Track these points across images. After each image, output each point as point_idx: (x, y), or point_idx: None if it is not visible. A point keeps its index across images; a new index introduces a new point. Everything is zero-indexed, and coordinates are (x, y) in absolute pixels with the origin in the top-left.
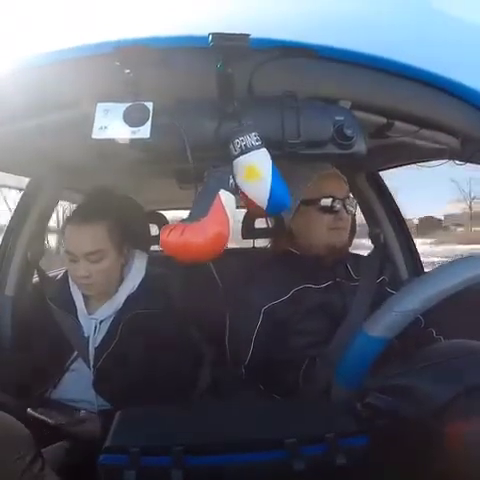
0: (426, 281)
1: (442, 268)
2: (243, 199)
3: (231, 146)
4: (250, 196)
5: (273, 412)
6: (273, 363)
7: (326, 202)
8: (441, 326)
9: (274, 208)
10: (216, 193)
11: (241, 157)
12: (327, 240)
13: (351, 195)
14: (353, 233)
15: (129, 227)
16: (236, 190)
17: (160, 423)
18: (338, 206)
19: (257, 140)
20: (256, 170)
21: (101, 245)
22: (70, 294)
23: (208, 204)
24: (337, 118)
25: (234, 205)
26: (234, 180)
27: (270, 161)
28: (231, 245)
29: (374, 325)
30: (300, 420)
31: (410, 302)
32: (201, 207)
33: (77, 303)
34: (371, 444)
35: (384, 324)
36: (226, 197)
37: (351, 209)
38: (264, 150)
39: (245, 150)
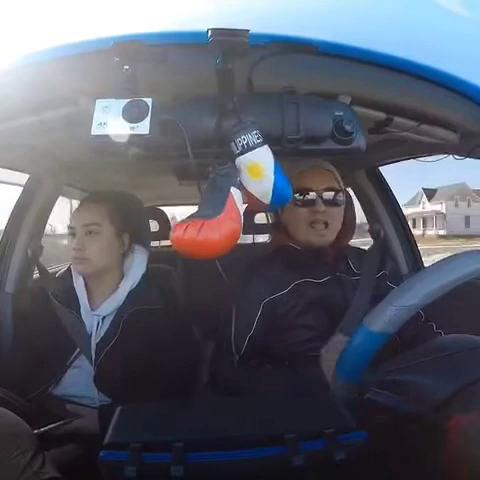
0: (426, 276)
1: (443, 262)
2: (245, 195)
3: (233, 144)
4: (254, 193)
5: (273, 408)
6: (272, 356)
7: (298, 196)
8: (441, 320)
9: (276, 203)
10: (228, 190)
11: (243, 155)
12: (305, 237)
13: (339, 189)
14: (349, 226)
15: (131, 219)
16: (241, 186)
17: (160, 419)
18: (312, 198)
19: (258, 138)
20: (259, 168)
21: (99, 220)
22: (73, 290)
23: (222, 201)
24: (337, 113)
25: (242, 201)
26: (239, 177)
27: (272, 158)
28: None
29: (374, 320)
30: (299, 416)
31: (411, 297)
32: (215, 204)
33: (80, 299)
34: (371, 439)
35: (384, 319)
36: (236, 194)
37: (336, 202)
38: (266, 147)
39: (247, 149)
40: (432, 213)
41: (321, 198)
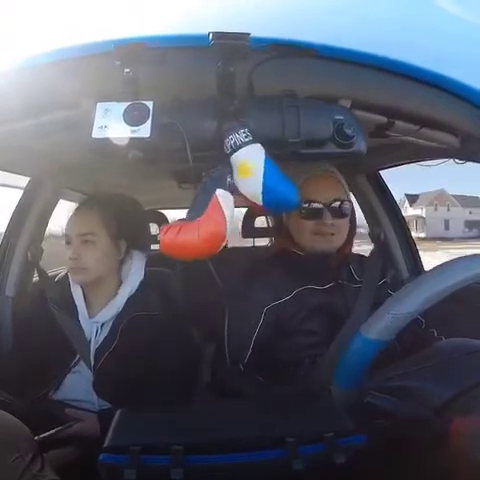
0: (422, 283)
1: (439, 269)
2: (241, 198)
3: (223, 146)
4: (244, 193)
5: (272, 411)
6: (274, 363)
7: (304, 207)
8: (441, 325)
9: (274, 206)
10: (213, 193)
11: (233, 155)
12: (310, 244)
13: (346, 199)
14: (351, 233)
15: (127, 224)
16: (235, 189)
17: (160, 422)
18: (319, 211)
19: (246, 136)
20: (247, 166)
21: (94, 228)
22: (71, 296)
23: (205, 204)
24: (337, 117)
25: (232, 204)
26: (231, 179)
27: (263, 157)
28: (231, 244)
29: (371, 328)
30: (299, 419)
31: (406, 305)
32: (198, 207)
33: (79, 307)
34: (370, 443)
35: (380, 326)
36: (223, 196)
37: (344, 213)
38: (255, 145)
39: (235, 148)
40: (413, 217)
41: (328, 210)
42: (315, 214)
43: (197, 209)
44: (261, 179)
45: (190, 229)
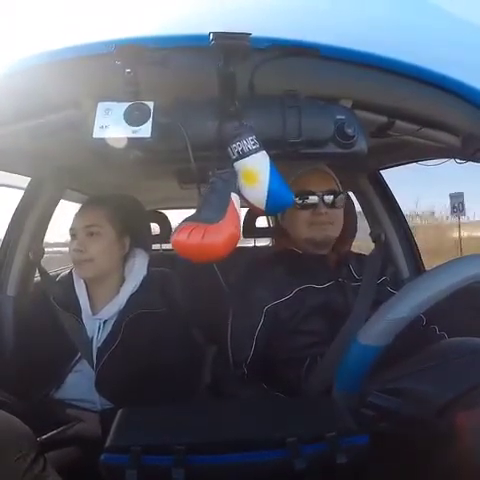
0: (416, 287)
1: (433, 272)
2: (243, 200)
3: (229, 150)
4: (248, 199)
5: (274, 411)
6: (275, 362)
7: (300, 199)
8: (444, 322)
9: (273, 209)
10: (229, 195)
11: (239, 162)
12: (306, 234)
13: (339, 191)
14: (350, 231)
15: (131, 221)
16: (239, 191)
17: (161, 422)
18: (314, 201)
19: (254, 144)
20: (253, 174)
21: (99, 221)
22: (75, 294)
23: (224, 206)
24: (338, 117)
25: (240, 206)
26: (237, 183)
27: (268, 164)
28: None
29: (366, 334)
30: (301, 419)
31: (401, 309)
32: (217, 209)
33: (82, 303)
34: (372, 443)
35: (376, 332)
36: (236, 199)
37: (337, 204)
38: (262, 153)
39: (242, 155)
40: None
41: (323, 201)
42: (310, 205)
43: (213, 210)
44: (267, 188)
45: (215, 231)
